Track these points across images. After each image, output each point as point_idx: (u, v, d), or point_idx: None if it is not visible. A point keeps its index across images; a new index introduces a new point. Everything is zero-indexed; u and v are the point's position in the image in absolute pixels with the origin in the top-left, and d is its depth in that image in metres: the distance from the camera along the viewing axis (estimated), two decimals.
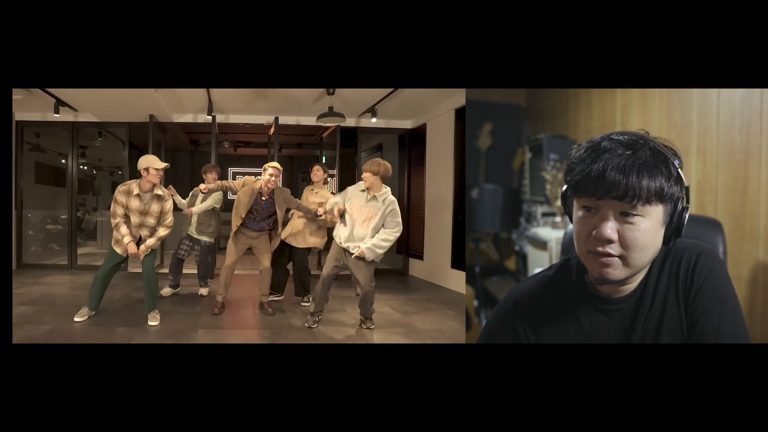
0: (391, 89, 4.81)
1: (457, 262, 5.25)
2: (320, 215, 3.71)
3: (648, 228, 0.87)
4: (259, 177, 3.73)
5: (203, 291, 4.56)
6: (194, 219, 4.37)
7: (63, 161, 8.62)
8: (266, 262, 3.78)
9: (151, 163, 3.35)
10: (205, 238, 4.41)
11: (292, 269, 4.31)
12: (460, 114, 5.12)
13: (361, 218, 3.31)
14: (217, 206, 4.38)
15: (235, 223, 3.68)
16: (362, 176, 3.32)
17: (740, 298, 0.95)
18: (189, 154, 9.45)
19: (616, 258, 0.88)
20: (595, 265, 0.91)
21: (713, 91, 2.32)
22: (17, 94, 4.99)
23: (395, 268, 6.43)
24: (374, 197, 3.28)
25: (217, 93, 5.22)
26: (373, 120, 5.67)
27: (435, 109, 5.66)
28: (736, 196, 2.24)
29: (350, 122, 6.01)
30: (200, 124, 6.20)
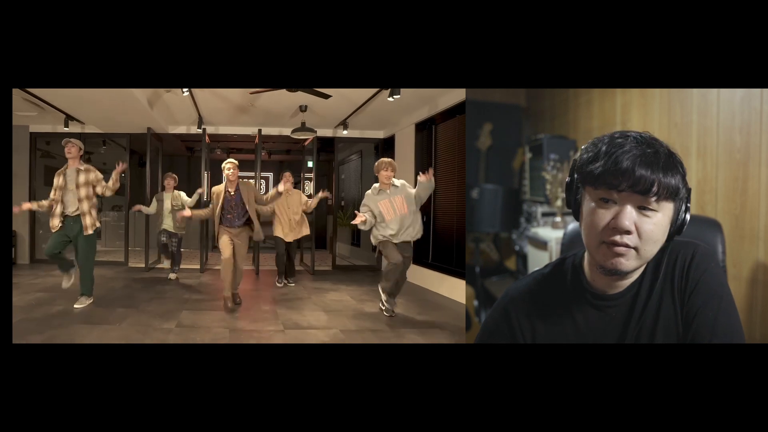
0: (357, 106, 5.44)
1: (423, 259, 5.55)
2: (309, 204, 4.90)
3: (661, 223, 0.91)
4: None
5: (173, 276, 5.61)
6: (169, 219, 5.43)
7: None
8: (241, 262, 4.13)
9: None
10: (180, 232, 5.58)
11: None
12: (419, 127, 5.74)
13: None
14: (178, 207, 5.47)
15: (216, 224, 4.10)
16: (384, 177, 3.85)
17: (740, 298, 0.96)
18: (186, 159, 10.64)
19: (632, 249, 0.91)
20: (608, 255, 0.93)
21: (713, 91, 2.32)
22: (32, 111, 5.73)
23: (370, 264, 7.09)
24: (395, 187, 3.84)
25: (206, 108, 5.84)
26: (345, 132, 6.51)
27: (400, 123, 6.21)
28: (736, 196, 2.24)
29: (328, 133, 6.96)
30: (194, 134, 6.90)
